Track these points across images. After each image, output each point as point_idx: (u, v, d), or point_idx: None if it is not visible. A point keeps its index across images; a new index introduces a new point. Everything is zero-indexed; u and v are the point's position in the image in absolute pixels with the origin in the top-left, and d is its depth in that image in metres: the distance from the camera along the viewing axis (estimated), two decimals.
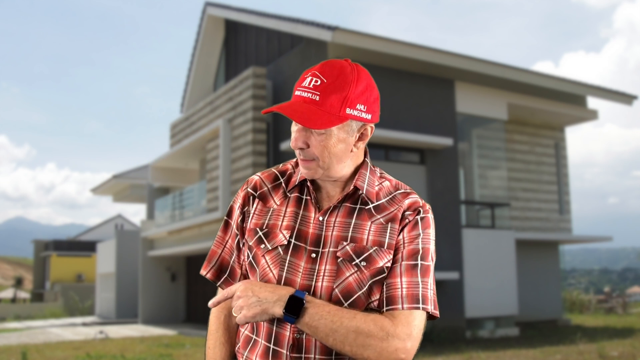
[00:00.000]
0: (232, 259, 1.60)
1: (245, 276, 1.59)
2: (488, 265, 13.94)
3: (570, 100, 16.30)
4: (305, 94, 1.44)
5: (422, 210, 1.54)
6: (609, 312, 21.75)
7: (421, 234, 1.51)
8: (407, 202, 1.54)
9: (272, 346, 1.46)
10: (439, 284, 13.45)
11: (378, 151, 12.90)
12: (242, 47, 17.43)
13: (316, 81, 1.45)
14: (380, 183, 1.58)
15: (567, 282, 39.44)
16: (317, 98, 1.43)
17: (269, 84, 14.42)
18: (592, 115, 16.93)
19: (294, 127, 1.49)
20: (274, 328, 1.46)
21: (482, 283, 13.73)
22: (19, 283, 45.07)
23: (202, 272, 1.62)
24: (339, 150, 1.49)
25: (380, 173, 1.61)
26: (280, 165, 1.63)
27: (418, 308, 1.41)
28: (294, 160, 1.61)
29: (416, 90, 13.53)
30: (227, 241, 1.61)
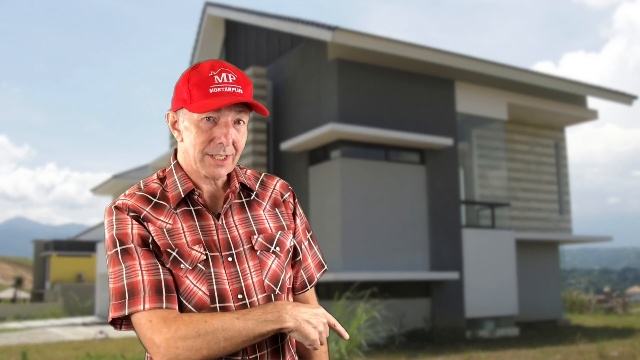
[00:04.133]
0: (161, 275, 1.41)
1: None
2: (488, 265, 13.94)
3: (570, 100, 16.30)
4: (230, 89, 1.45)
5: (293, 191, 1.69)
6: (609, 312, 21.74)
7: (302, 213, 1.69)
8: (277, 184, 1.66)
9: (224, 358, 1.42)
10: (439, 283, 13.50)
11: (378, 151, 12.89)
12: (242, 47, 17.42)
13: (232, 76, 1.47)
14: (245, 173, 1.63)
15: (567, 282, 39.43)
16: (242, 91, 1.47)
17: (269, 84, 14.43)
18: (592, 115, 16.92)
19: (223, 120, 1.46)
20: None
21: (482, 283, 13.72)
22: (19, 283, 45.05)
23: (137, 307, 1.36)
24: (244, 144, 1.55)
25: (238, 165, 1.65)
26: (142, 186, 1.53)
27: (325, 271, 1.72)
28: (154, 177, 1.56)
29: (416, 90, 13.53)
30: (141, 263, 1.40)
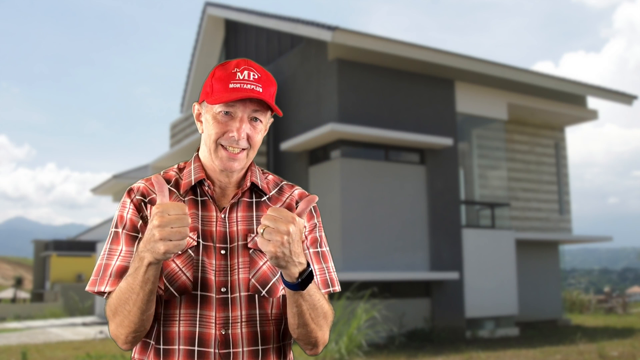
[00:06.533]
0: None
1: None
2: (488, 265, 13.94)
3: (570, 100, 16.30)
4: (248, 86, 1.48)
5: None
6: (609, 312, 21.74)
7: (317, 224, 1.62)
8: (296, 192, 1.64)
9: (196, 348, 1.44)
10: (439, 283, 13.49)
11: (378, 151, 12.89)
12: (242, 47, 17.42)
13: (255, 75, 1.50)
14: (266, 177, 1.64)
15: (567, 282, 39.42)
16: (261, 90, 1.50)
17: None
18: (592, 115, 16.93)
19: (239, 115, 1.49)
20: (197, 330, 1.45)
21: (482, 283, 13.73)
22: (19, 283, 45.04)
23: (101, 288, 1.47)
24: (260, 141, 1.57)
25: (260, 168, 1.67)
26: (161, 172, 1.60)
27: (329, 292, 1.58)
28: (174, 167, 1.62)
29: (416, 90, 13.53)
30: (122, 249, 1.49)
